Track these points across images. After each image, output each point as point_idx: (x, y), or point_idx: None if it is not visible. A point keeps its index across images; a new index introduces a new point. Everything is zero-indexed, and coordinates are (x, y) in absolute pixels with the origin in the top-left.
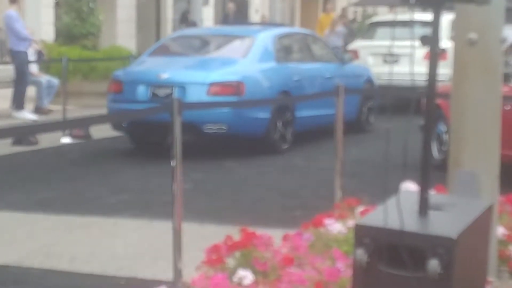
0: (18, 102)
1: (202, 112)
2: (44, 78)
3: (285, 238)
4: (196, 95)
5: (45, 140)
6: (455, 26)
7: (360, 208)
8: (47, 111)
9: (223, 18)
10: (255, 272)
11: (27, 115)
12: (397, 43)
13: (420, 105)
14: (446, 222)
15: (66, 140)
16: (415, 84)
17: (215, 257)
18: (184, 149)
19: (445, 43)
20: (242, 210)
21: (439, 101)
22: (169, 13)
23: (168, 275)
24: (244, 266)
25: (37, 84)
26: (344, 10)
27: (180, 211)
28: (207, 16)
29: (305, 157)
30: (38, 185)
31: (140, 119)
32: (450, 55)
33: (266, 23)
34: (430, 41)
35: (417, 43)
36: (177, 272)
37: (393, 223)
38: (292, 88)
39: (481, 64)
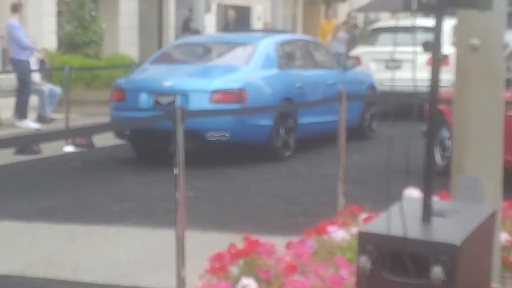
0: (20, 111)
1: (205, 120)
2: (47, 87)
3: (288, 245)
4: (199, 102)
5: (48, 149)
6: (457, 31)
7: (363, 215)
8: (49, 120)
9: (224, 25)
10: (258, 280)
11: (30, 124)
12: (399, 49)
13: (423, 111)
14: (450, 229)
15: (69, 148)
16: (417, 90)
17: (219, 265)
18: (187, 156)
19: (447, 48)
20: (245, 218)
21: (441, 107)
22: (171, 21)
23: (171, 284)
24: (248, 274)
25: (39, 93)
26: (349, 15)
27: (183, 219)
28: (209, 23)
29: (308, 164)
30: (41, 194)
31: (143, 127)
32: (452, 60)
33: (268, 30)
34: (432, 47)
35: (419, 49)
36: (180, 281)
37: (397, 230)
38: (295, 95)
39: (483, 69)
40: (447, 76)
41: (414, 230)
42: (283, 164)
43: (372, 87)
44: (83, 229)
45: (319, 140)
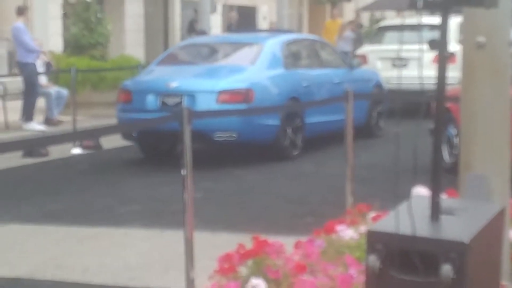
0: (27, 113)
1: (212, 120)
2: (53, 89)
3: (297, 245)
4: (206, 103)
5: (56, 152)
6: (463, 29)
7: (371, 214)
8: (57, 122)
9: (228, 27)
10: (267, 280)
11: (36, 126)
12: (405, 47)
13: (430, 109)
14: (458, 227)
15: (76, 151)
16: (424, 88)
17: (228, 266)
18: (194, 157)
19: (454, 46)
20: (253, 218)
21: (448, 104)
22: (177, 22)
23: (181, 285)
24: (257, 275)
25: (46, 95)
26: (357, 14)
27: (191, 220)
28: (215, 24)
29: (316, 163)
30: (49, 196)
31: (150, 128)
32: (458, 58)
33: (274, 30)
34: (439, 45)
35: (425, 46)
36: (190, 282)
37: (405, 228)
38: (301, 94)
39: (490, 67)
40: (453, 73)
41: (422, 229)
42: (290, 163)
43: (378, 85)
44: (91, 232)
45: (326, 139)
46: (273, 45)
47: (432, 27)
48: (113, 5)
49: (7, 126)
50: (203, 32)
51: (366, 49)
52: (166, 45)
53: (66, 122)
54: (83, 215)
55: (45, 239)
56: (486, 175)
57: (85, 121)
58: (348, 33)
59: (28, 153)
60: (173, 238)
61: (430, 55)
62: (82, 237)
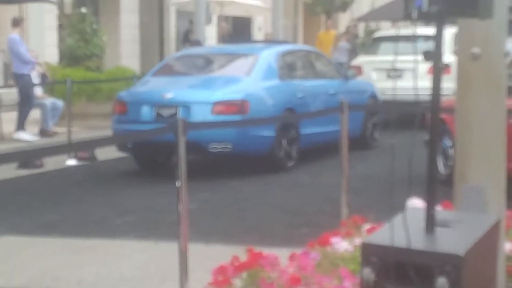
0: (19, 123)
1: (207, 131)
2: (49, 101)
3: (292, 257)
4: (201, 114)
5: (51, 163)
6: (458, 40)
7: (366, 226)
8: (52, 134)
9: (221, 38)
10: None
11: (25, 136)
12: (400, 57)
13: (425, 120)
14: (453, 239)
15: (71, 162)
16: (419, 98)
17: (222, 278)
18: (189, 168)
19: (448, 57)
20: (248, 229)
21: (444, 115)
22: (172, 33)
23: None
24: (251, 287)
25: (41, 106)
26: (348, 27)
27: (186, 232)
28: (210, 35)
29: (311, 174)
30: (44, 208)
31: (145, 140)
32: (453, 69)
33: (269, 41)
34: (433, 56)
35: (420, 57)
36: None
37: (400, 241)
38: (297, 105)
39: (485, 78)
40: (448, 84)
41: (417, 241)
42: (285, 174)
43: (373, 96)
44: (86, 243)
45: (321, 150)
46: (268, 56)
47: (427, 37)
48: (109, 16)
49: (2, 138)
50: (197, 43)
51: (361, 60)
52: (161, 56)
53: (61, 134)
54: (79, 227)
55: (41, 251)
56: (482, 187)
57: (80, 133)
58: (343, 44)
59: (23, 165)
60: (168, 250)
61: (425, 66)
62: (77, 249)
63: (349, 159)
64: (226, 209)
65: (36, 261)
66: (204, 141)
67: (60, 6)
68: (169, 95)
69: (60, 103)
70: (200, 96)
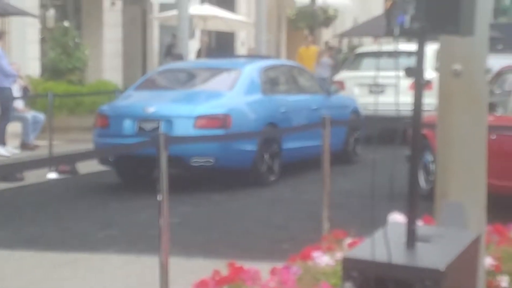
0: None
1: (189, 145)
2: (30, 114)
3: (273, 271)
4: (183, 128)
5: (31, 176)
6: (440, 57)
7: (348, 240)
8: (33, 147)
9: (197, 52)
10: None
11: (1, 151)
12: (382, 73)
13: (406, 135)
14: (434, 254)
15: (52, 175)
16: (400, 114)
17: None
18: (171, 182)
19: (430, 73)
20: (230, 243)
21: (425, 131)
22: (155, 47)
23: None
24: None
25: (23, 119)
26: (332, 41)
27: (167, 246)
28: (193, 49)
29: (293, 188)
30: (24, 221)
31: (127, 153)
32: (435, 85)
33: (252, 56)
34: (415, 72)
35: (402, 73)
36: None
37: (381, 255)
38: (279, 120)
39: (466, 94)
40: (430, 100)
41: (398, 256)
42: (267, 189)
43: (355, 111)
44: (67, 257)
45: (303, 165)
46: (251, 71)
47: (409, 53)
48: (91, 30)
49: None
50: (179, 57)
51: (343, 75)
52: (144, 70)
53: (42, 147)
54: (59, 240)
55: (21, 265)
56: (462, 203)
57: (62, 146)
58: (326, 60)
59: (3, 178)
60: (149, 264)
61: (406, 82)
62: (58, 263)
63: (331, 174)
64: (208, 223)
65: (16, 275)
66: (187, 155)
67: (43, 20)
68: (151, 109)
69: (41, 116)
70: (183, 110)
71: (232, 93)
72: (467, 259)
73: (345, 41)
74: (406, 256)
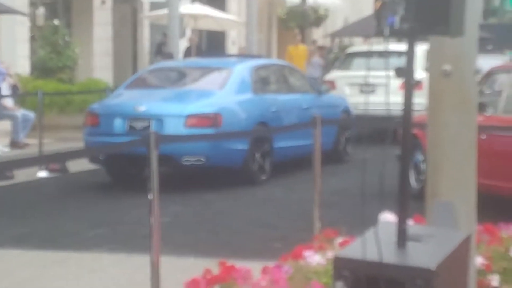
0: None
1: (180, 144)
2: (20, 112)
3: (264, 270)
4: (174, 127)
5: (21, 175)
6: (430, 57)
7: (339, 239)
8: (23, 145)
9: (185, 50)
10: None
11: None
12: (373, 73)
13: (397, 135)
14: (425, 253)
15: (42, 174)
16: (391, 114)
17: None
18: (162, 181)
19: (420, 73)
20: (221, 242)
21: (415, 130)
22: (145, 46)
23: None
24: None
25: (12, 118)
26: (314, 42)
27: (158, 245)
28: (182, 49)
29: (284, 188)
30: (14, 220)
31: (117, 152)
32: (425, 85)
33: (243, 55)
34: (405, 72)
35: (392, 73)
36: None
37: (372, 255)
38: (270, 119)
39: (456, 94)
40: (420, 100)
41: (389, 255)
42: (258, 188)
43: (346, 111)
44: (58, 256)
45: (294, 164)
46: (242, 70)
47: (399, 53)
48: (81, 29)
49: None
50: (170, 56)
51: (334, 75)
52: (134, 69)
53: (32, 145)
54: (50, 239)
55: (11, 264)
56: (453, 202)
57: (52, 144)
58: (316, 60)
59: None
60: (140, 263)
61: (397, 82)
62: (48, 262)
63: (322, 173)
64: (199, 222)
65: (6, 274)
66: (177, 154)
67: (32, 18)
68: (142, 108)
69: (31, 114)
70: (173, 109)
71: (223, 92)
72: (458, 258)
73: (335, 41)
74: (397, 255)
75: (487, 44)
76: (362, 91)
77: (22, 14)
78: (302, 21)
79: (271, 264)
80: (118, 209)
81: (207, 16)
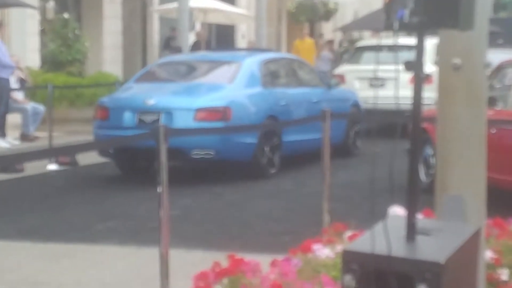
0: None
1: (189, 138)
2: (30, 105)
3: (273, 264)
4: (183, 121)
5: (31, 168)
6: (439, 51)
7: (348, 233)
8: (33, 138)
9: (193, 45)
10: None
11: (0, 143)
12: (382, 67)
13: (407, 129)
14: (434, 247)
15: (52, 167)
16: (400, 108)
17: (203, 284)
18: (172, 174)
19: (430, 67)
20: (230, 236)
21: (425, 124)
22: (155, 39)
23: None
24: None
25: (22, 111)
26: (321, 35)
27: (167, 238)
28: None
29: (293, 181)
30: (24, 213)
31: (127, 145)
32: (435, 79)
33: (253, 49)
34: (414, 66)
35: (402, 67)
36: None
37: (381, 248)
38: (279, 113)
39: (466, 88)
40: (430, 94)
41: (398, 249)
42: (268, 181)
43: (356, 105)
44: (67, 248)
45: (304, 158)
46: (252, 63)
47: (409, 47)
48: (91, 22)
49: None
50: (178, 49)
51: (344, 68)
52: (144, 62)
53: (42, 138)
54: (59, 232)
55: (21, 256)
56: (462, 196)
57: (62, 137)
58: (326, 53)
59: (3, 169)
60: (149, 256)
61: (407, 76)
62: (57, 254)
63: (331, 167)
64: (208, 216)
65: (16, 266)
66: (187, 148)
67: (42, 12)
68: (151, 101)
69: (41, 108)
70: (183, 103)
71: (232, 85)
72: (467, 252)
73: (347, 34)
74: (406, 249)
75: (498, 38)
76: (371, 85)
77: (32, 7)
78: (312, 15)
79: (280, 257)
80: (127, 202)
81: (217, 10)
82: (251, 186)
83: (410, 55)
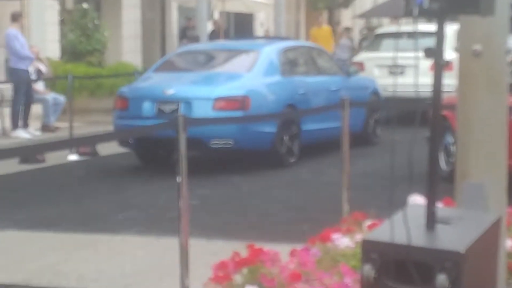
0: (13, 121)
1: (208, 127)
2: (50, 96)
3: (292, 253)
4: (202, 110)
5: (52, 158)
6: (459, 37)
7: (367, 222)
8: (53, 129)
9: (210, 34)
10: None
11: (22, 133)
12: (402, 54)
13: (427, 117)
14: (454, 236)
15: (73, 157)
16: (420, 95)
17: (222, 273)
18: (191, 164)
19: (450, 54)
20: (249, 225)
21: (445, 112)
22: (174, 29)
23: None
24: (252, 283)
25: (43, 101)
26: (338, 23)
27: (187, 227)
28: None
29: (312, 170)
30: (45, 203)
31: (147, 135)
32: (455, 65)
33: (271, 37)
34: (434, 53)
35: (421, 54)
36: None
37: (401, 238)
38: (298, 102)
39: (487, 75)
40: (450, 81)
41: (418, 238)
42: (287, 171)
43: (375, 92)
44: (87, 238)
45: (323, 147)
46: (270, 52)
47: (429, 34)
48: (111, 12)
49: (4, 133)
50: (196, 38)
51: (363, 56)
52: (163, 52)
53: (63, 129)
54: (80, 222)
55: (42, 246)
56: (483, 184)
57: (82, 128)
58: (344, 41)
59: (25, 160)
60: (169, 245)
61: (427, 63)
62: (78, 244)
63: (351, 156)
64: (227, 205)
65: (37, 256)
66: (206, 137)
67: (62, 2)
68: (170, 91)
69: (61, 98)
70: (202, 92)
71: (251, 74)
72: (488, 241)
73: (367, 21)
74: (426, 238)
75: None
76: (391, 73)
77: None
78: (331, 2)
79: (299, 246)
80: (147, 192)
81: None
82: (270, 175)
83: (430, 42)
